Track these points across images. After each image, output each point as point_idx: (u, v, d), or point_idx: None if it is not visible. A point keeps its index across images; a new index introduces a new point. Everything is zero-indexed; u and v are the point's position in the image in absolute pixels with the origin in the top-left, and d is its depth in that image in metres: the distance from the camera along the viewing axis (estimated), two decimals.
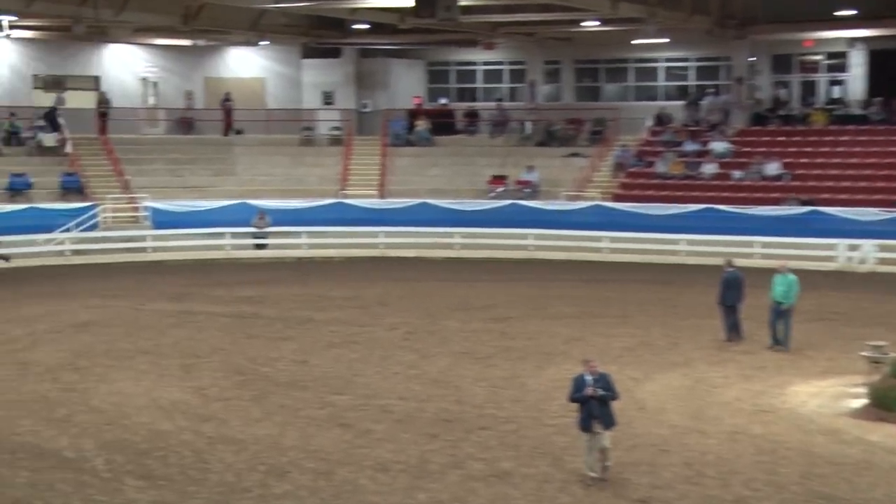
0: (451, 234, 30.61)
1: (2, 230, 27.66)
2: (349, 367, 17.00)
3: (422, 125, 36.87)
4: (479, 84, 40.24)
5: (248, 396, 15.22)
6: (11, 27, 32.79)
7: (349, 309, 22.09)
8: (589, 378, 11.62)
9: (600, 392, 11.54)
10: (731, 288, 18.44)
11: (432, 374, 16.52)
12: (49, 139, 33.09)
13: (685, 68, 37.36)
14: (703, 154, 32.85)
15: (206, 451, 12.79)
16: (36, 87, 36.96)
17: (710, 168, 32.21)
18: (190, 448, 12.88)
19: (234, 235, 30.47)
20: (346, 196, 33.15)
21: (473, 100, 39.83)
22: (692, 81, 36.97)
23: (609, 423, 11.66)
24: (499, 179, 33.62)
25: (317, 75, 39.53)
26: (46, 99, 36.25)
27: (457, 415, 14.28)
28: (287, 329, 19.98)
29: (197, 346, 18.46)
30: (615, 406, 11.82)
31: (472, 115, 38.00)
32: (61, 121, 33.57)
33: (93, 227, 29.90)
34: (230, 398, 15.12)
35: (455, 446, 12.97)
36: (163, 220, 30.62)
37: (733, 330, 18.52)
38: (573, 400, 11.76)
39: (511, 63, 39.54)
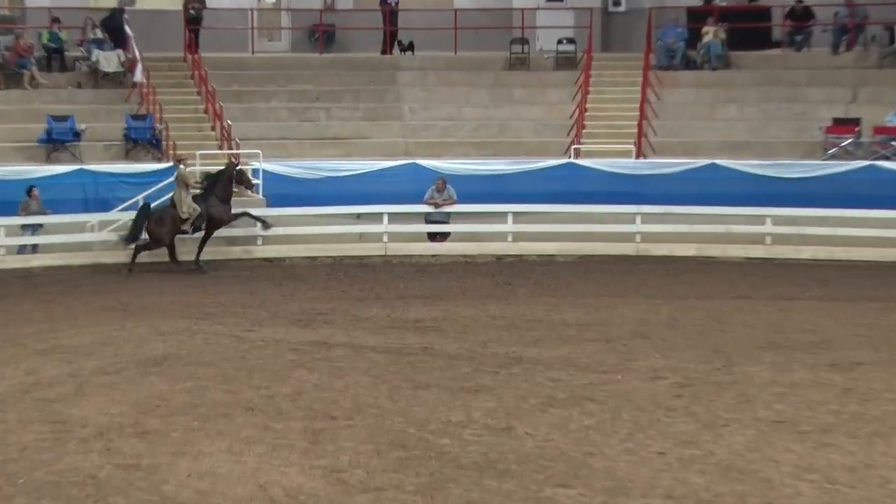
0: (758, 219, 30.36)
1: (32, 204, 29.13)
2: (581, 440, 16.98)
3: (712, 35, 36.54)
4: None
5: (414, 485, 15.34)
6: None
7: (582, 342, 22.18)
8: None
9: None
10: None
11: (722, 456, 16.34)
12: (110, 60, 34.60)
13: None
14: None
15: None
16: None
17: None
18: None
19: (396, 217, 30.94)
20: (580, 154, 33.18)
21: None
22: None
23: None
24: (845, 126, 33.08)
25: None
26: None
27: None
28: (478, 375, 20.16)
29: (333, 399, 18.78)
30: None
31: (801, 17, 37.47)
32: (129, 31, 35.00)
33: None
34: (384, 487, 15.28)
35: None
36: (283, 191, 31.45)
37: None
38: None
39: None
